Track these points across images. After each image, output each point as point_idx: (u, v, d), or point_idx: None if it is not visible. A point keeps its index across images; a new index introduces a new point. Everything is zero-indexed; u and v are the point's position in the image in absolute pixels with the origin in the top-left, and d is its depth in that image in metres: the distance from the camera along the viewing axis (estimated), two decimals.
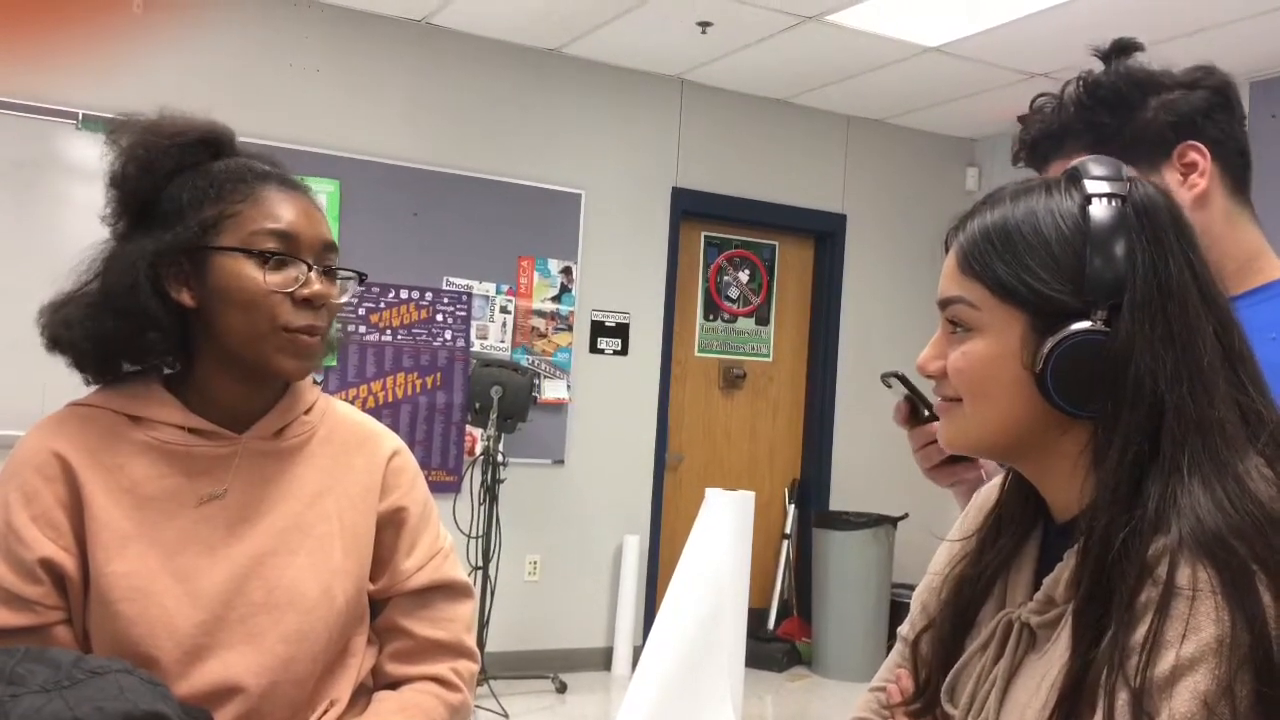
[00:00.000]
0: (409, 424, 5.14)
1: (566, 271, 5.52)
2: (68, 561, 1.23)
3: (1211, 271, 0.97)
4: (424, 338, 5.20)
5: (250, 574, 1.28)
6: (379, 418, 1.56)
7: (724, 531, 3.74)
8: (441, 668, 1.40)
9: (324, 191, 4.89)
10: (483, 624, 4.94)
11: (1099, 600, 0.90)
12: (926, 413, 1.35)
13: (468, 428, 5.26)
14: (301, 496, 1.34)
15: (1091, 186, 0.96)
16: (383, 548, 1.40)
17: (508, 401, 5.03)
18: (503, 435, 5.06)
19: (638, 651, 4.05)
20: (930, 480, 1.43)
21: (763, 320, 6.28)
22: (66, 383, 1.37)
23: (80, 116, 4.48)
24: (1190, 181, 1.30)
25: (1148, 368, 0.91)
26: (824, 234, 6.31)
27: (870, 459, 6.17)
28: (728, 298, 6.18)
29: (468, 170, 5.31)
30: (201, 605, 1.25)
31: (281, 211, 1.30)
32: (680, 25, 4.94)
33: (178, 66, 4.69)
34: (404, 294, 5.16)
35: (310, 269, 1.30)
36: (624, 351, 5.68)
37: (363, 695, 1.38)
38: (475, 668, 1.45)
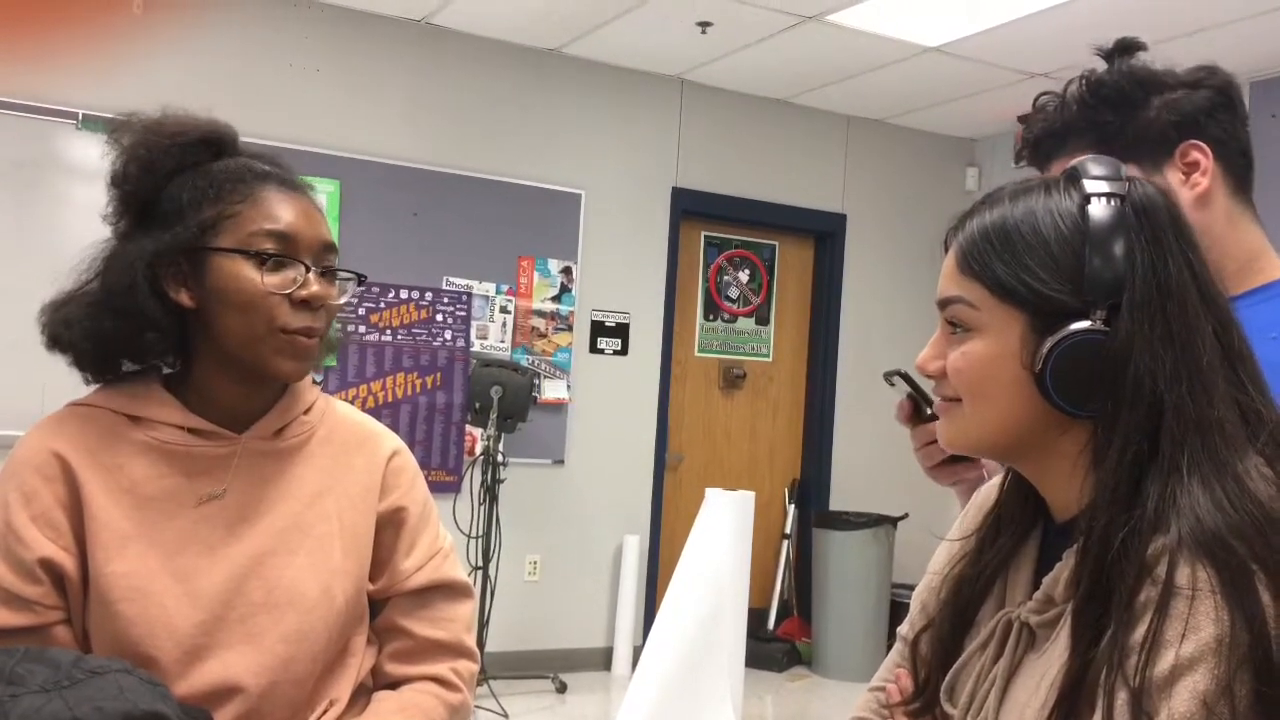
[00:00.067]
0: (409, 424, 5.14)
1: (566, 271, 5.52)
2: (67, 561, 1.23)
3: (1211, 271, 0.97)
4: (424, 338, 5.20)
5: (250, 574, 1.28)
6: (379, 418, 1.56)
7: (724, 531, 3.74)
8: (441, 668, 1.40)
9: (324, 191, 4.89)
10: (483, 624, 4.94)
11: (1098, 600, 0.90)
12: (929, 411, 1.35)
13: (468, 428, 5.26)
14: (301, 496, 1.34)
15: (1090, 186, 0.96)
16: (382, 548, 1.39)
17: (508, 401, 5.03)
18: (503, 435, 5.06)
19: (638, 651, 4.04)
20: (932, 479, 1.43)
21: (763, 320, 6.28)
22: (66, 383, 1.37)
23: (80, 116, 4.48)
24: (1192, 181, 1.30)
25: (1147, 367, 0.91)
26: (824, 234, 6.30)
27: (870, 459, 6.17)
28: (728, 298, 6.18)
29: (468, 170, 5.30)
30: (201, 605, 1.25)
31: (280, 212, 1.29)
32: (680, 25, 4.94)
33: (178, 66, 4.69)
34: (404, 294, 5.16)
35: (309, 270, 1.29)
36: (624, 351, 5.68)
37: (362, 695, 1.38)
38: (475, 668, 1.45)
